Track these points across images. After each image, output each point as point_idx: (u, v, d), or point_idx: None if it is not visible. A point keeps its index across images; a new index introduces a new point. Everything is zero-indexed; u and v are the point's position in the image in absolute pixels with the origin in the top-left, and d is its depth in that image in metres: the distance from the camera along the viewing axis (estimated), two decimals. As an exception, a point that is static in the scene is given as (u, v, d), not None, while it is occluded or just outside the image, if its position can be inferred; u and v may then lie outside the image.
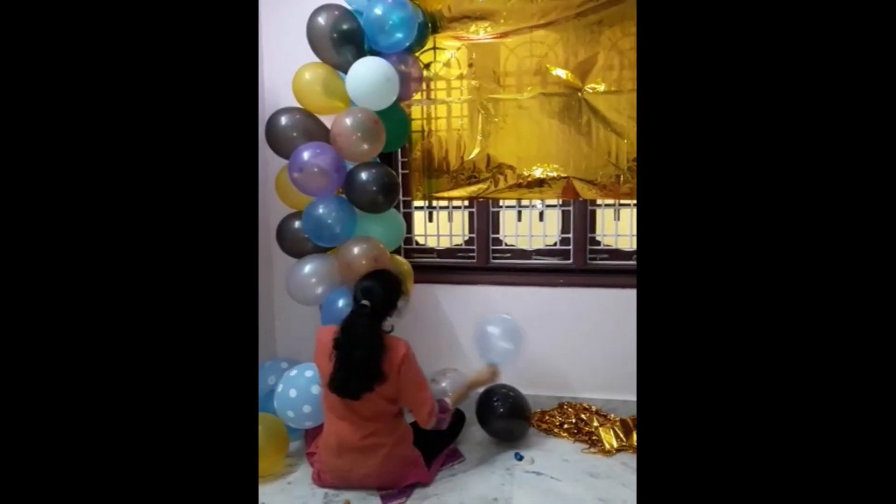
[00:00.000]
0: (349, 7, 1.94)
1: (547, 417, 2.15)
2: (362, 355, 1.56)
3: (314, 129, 1.92)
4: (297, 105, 1.96)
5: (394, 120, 1.98)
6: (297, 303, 2.01)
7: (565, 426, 2.09)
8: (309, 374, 1.83)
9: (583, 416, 2.12)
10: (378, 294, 1.63)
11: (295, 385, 1.81)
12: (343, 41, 1.86)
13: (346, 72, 1.88)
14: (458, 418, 1.99)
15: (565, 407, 2.19)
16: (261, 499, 1.66)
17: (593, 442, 1.98)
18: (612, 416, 2.12)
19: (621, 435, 1.98)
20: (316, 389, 1.77)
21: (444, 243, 2.46)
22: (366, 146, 1.84)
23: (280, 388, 1.84)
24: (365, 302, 1.61)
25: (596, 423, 2.05)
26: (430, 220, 2.47)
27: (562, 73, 2.16)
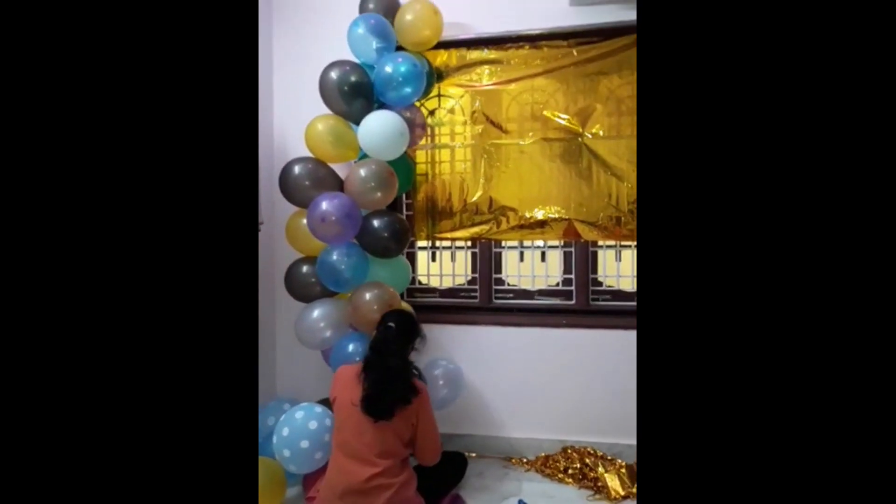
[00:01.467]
0: (358, 61, 2.04)
1: (550, 462, 2.12)
2: (398, 365, 1.64)
3: (326, 178, 1.99)
4: (308, 154, 2.03)
5: (400, 167, 2.05)
6: (306, 347, 2.03)
7: (570, 471, 2.05)
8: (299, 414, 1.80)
9: (587, 460, 2.08)
10: (403, 320, 1.76)
11: (290, 424, 1.79)
12: (353, 94, 1.95)
13: (355, 122, 1.96)
14: (461, 462, 1.97)
15: (569, 451, 2.15)
16: (258, 546, 1.62)
17: (598, 488, 1.94)
18: (618, 461, 2.08)
19: (627, 481, 1.94)
20: (314, 425, 1.76)
21: (447, 283, 2.48)
22: (379, 195, 1.90)
23: (283, 430, 1.80)
24: (391, 324, 1.72)
25: (601, 469, 2.01)
26: (434, 259, 2.50)
27: (562, 119, 2.24)
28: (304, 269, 2.02)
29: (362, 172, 1.88)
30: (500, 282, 2.42)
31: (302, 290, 2.04)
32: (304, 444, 1.73)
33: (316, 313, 1.98)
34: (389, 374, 1.63)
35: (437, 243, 2.47)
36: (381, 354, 1.66)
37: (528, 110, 2.28)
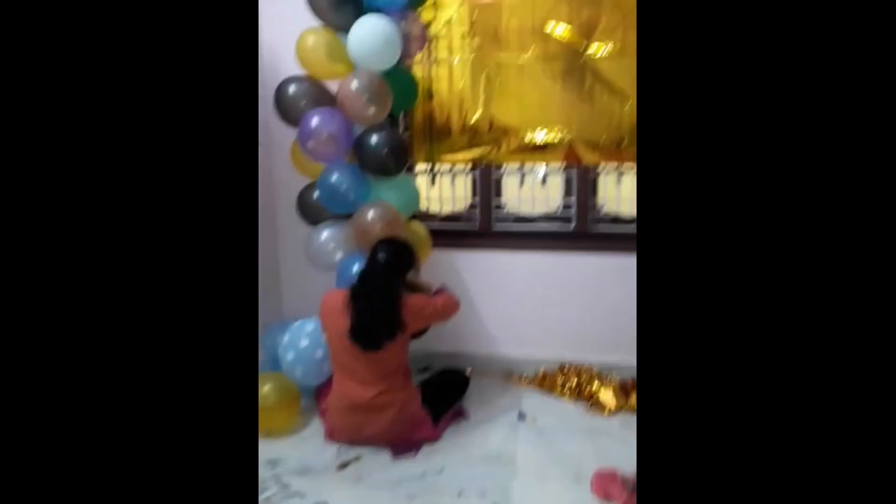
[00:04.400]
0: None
1: (548, 379, 2.21)
2: (383, 302, 1.62)
3: (321, 96, 1.90)
4: (302, 72, 1.92)
5: (400, 80, 1.94)
6: (318, 268, 2.02)
7: (566, 387, 2.14)
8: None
9: (583, 377, 2.17)
10: (393, 252, 1.71)
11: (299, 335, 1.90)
12: (341, 1, 1.81)
13: (347, 33, 1.84)
14: (463, 378, 2.04)
15: (566, 369, 2.23)
16: (276, 453, 1.71)
17: (594, 402, 2.03)
18: (612, 377, 2.17)
19: (620, 396, 2.04)
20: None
21: (447, 208, 2.46)
22: (373, 109, 1.81)
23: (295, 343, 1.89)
24: (381, 256, 1.68)
25: (596, 385, 2.11)
26: (433, 184, 2.46)
27: (564, 31, 2.12)
28: (316, 194, 1.97)
29: (353, 85, 1.78)
30: (501, 207, 2.40)
31: (315, 214, 2.01)
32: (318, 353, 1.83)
33: (325, 235, 1.96)
34: (373, 310, 1.61)
35: (437, 168, 2.42)
36: (367, 288, 1.64)
37: (529, 23, 2.15)
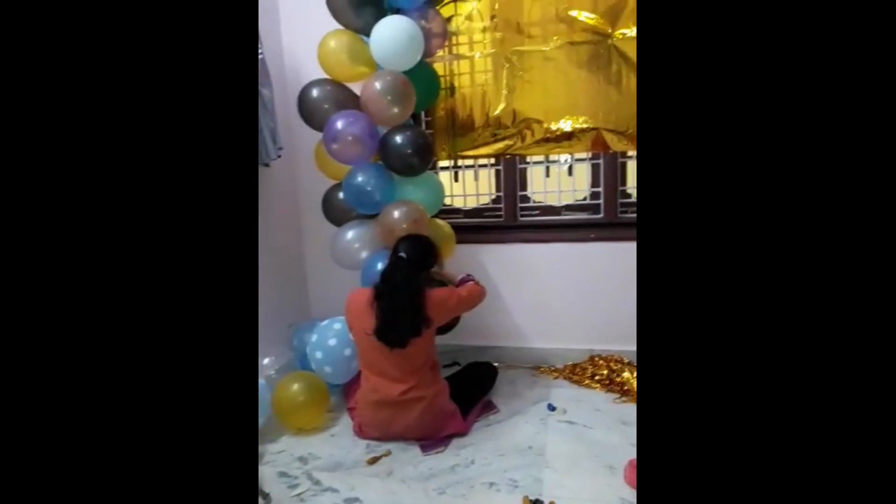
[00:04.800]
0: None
1: (578, 370, 2.20)
2: (406, 299, 1.64)
3: (345, 99, 1.93)
4: (324, 75, 1.96)
5: (421, 77, 1.96)
6: (343, 267, 2.07)
7: (596, 377, 2.13)
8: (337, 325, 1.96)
9: (613, 367, 2.15)
10: (414, 249, 1.73)
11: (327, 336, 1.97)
12: (362, 3, 1.83)
13: (368, 35, 1.86)
14: (491, 371, 2.06)
15: (596, 359, 2.22)
16: (307, 450, 1.77)
17: (625, 392, 2.02)
18: (644, 367, 2.14)
19: (653, 385, 2.01)
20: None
21: (471, 203, 2.46)
22: (396, 109, 1.84)
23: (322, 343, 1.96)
24: (402, 254, 1.70)
25: (627, 374, 2.09)
26: (456, 180, 2.47)
27: (589, 18, 2.07)
28: (340, 195, 2.01)
29: (377, 86, 1.81)
30: (526, 199, 2.39)
31: (340, 214, 2.06)
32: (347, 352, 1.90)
33: (350, 235, 2.00)
34: (397, 308, 1.63)
35: (460, 162, 2.42)
36: (391, 286, 1.66)
37: (552, 11, 2.11)
